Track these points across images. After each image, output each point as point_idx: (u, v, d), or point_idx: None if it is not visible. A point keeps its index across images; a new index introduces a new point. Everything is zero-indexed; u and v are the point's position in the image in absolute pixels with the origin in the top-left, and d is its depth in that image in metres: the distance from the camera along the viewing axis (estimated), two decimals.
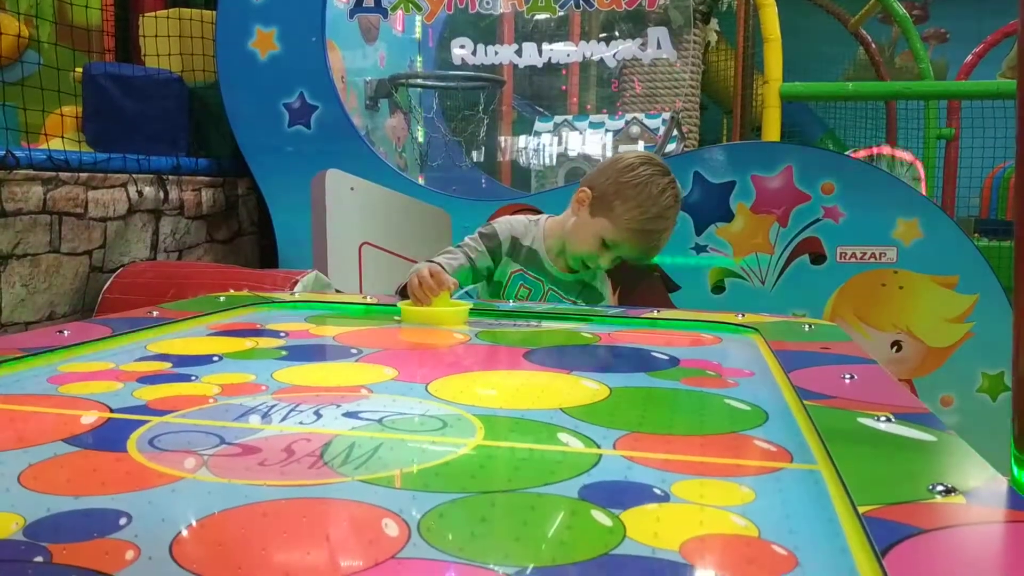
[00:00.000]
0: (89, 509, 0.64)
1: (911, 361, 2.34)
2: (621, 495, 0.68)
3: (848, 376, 1.06)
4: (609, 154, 4.38)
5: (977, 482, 0.68)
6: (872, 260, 2.31)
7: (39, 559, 0.56)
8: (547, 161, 4.39)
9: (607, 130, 4.43)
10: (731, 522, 0.63)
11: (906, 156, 4.01)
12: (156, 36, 2.88)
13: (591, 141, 4.45)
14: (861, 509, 0.61)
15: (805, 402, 0.92)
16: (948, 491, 0.64)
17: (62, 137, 2.56)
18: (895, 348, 2.34)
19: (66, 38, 2.96)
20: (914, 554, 0.54)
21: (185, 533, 0.60)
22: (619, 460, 0.77)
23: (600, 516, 0.64)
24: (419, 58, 4.16)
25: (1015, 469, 0.89)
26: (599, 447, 0.81)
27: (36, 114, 2.62)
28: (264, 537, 0.61)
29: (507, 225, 1.81)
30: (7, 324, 2.11)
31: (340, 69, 3.28)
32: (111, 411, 0.92)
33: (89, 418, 0.89)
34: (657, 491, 0.69)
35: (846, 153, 3.83)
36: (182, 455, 0.78)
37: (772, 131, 4.56)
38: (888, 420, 0.85)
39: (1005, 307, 2.18)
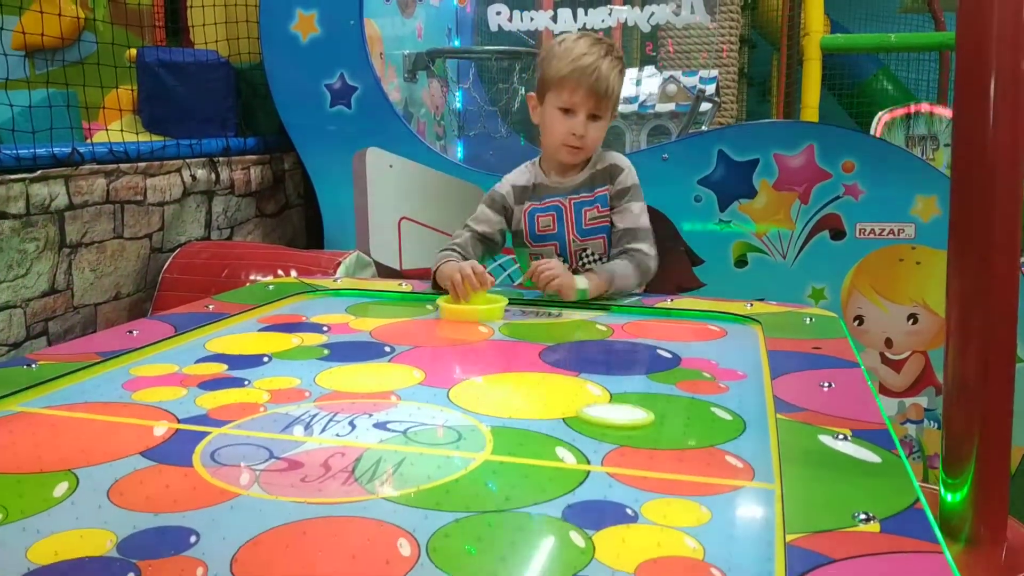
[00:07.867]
0: (165, 527, 0.80)
1: (927, 333, 2.42)
2: (598, 515, 0.82)
3: (826, 384, 1.17)
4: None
5: (898, 508, 0.80)
6: (890, 236, 2.39)
7: (131, 575, 0.72)
8: None
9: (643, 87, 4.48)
10: (683, 544, 0.76)
11: (946, 112, 3.98)
12: (204, 25, 3.01)
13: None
14: (789, 537, 0.74)
15: (777, 415, 1.05)
16: (868, 519, 0.76)
17: (120, 122, 2.73)
18: (911, 320, 2.42)
19: (119, 20, 3.12)
20: None
21: (241, 551, 0.75)
22: (603, 478, 0.91)
23: (576, 537, 0.77)
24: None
25: (942, 489, 1.01)
26: (589, 463, 0.94)
27: (96, 93, 2.78)
28: (303, 555, 0.76)
29: (506, 179, 1.90)
30: (79, 306, 2.31)
31: (379, 44, 3.38)
32: (178, 421, 1.08)
33: (160, 430, 1.05)
34: (629, 511, 0.82)
35: (883, 113, 3.82)
36: (238, 470, 0.93)
37: (812, 84, 4.54)
38: (845, 439, 0.96)
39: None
